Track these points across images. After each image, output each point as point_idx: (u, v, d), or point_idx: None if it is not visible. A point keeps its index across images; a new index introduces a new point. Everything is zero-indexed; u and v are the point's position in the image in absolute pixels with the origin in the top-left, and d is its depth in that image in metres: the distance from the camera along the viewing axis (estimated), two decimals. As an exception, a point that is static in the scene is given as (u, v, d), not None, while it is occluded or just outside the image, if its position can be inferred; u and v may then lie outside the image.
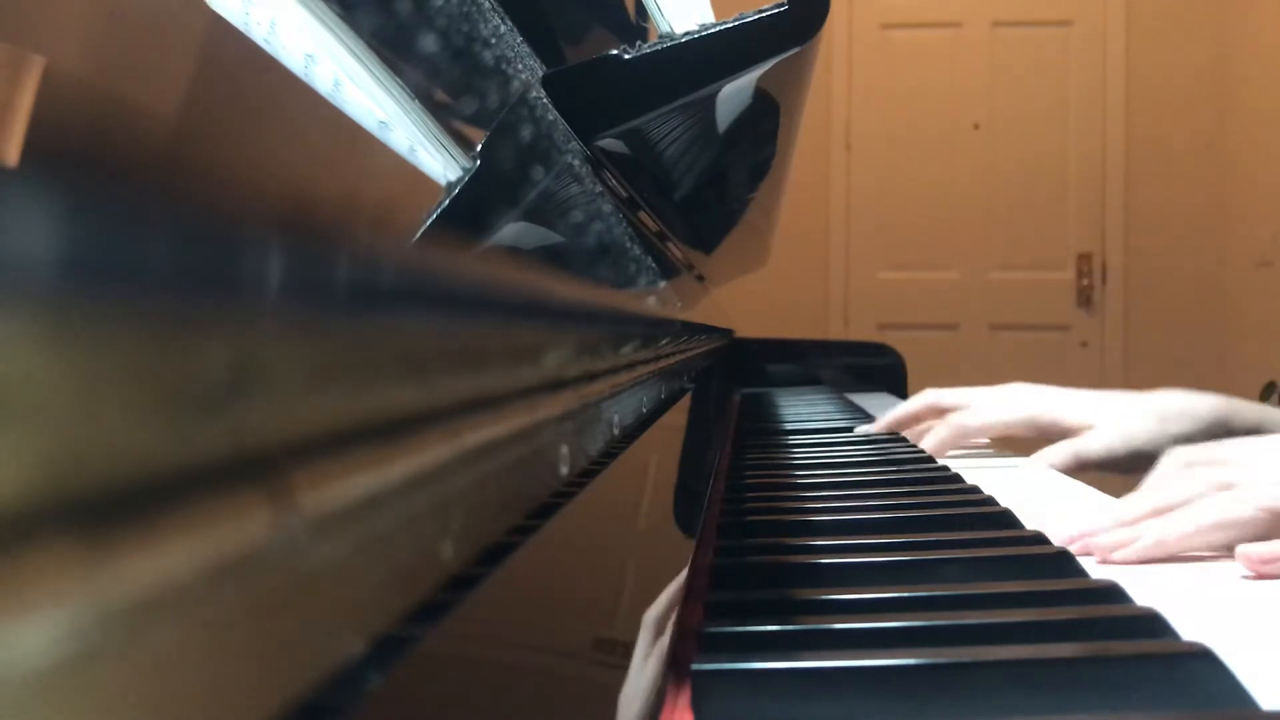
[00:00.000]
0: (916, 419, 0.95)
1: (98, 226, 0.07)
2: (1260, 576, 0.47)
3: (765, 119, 0.79)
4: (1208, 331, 3.42)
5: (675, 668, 0.32)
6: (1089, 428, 0.84)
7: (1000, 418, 0.89)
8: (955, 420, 0.90)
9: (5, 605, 0.07)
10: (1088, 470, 0.83)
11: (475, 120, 0.39)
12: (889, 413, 0.97)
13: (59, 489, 0.07)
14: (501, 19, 0.44)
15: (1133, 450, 0.81)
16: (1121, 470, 0.82)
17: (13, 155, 0.10)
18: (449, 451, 0.16)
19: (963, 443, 0.90)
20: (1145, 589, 0.43)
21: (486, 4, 0.42)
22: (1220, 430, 0.80)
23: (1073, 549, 0.48)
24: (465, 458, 0.17)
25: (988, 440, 0.94)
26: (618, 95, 0.52)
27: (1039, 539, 0.49)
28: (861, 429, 0.97)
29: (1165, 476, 0.57)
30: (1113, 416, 0.84)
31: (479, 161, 0.34)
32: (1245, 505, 0.50)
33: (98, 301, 0.07)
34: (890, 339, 1.82)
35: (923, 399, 0.95)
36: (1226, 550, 0.50)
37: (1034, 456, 0.84)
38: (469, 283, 0.18)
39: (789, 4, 0.53)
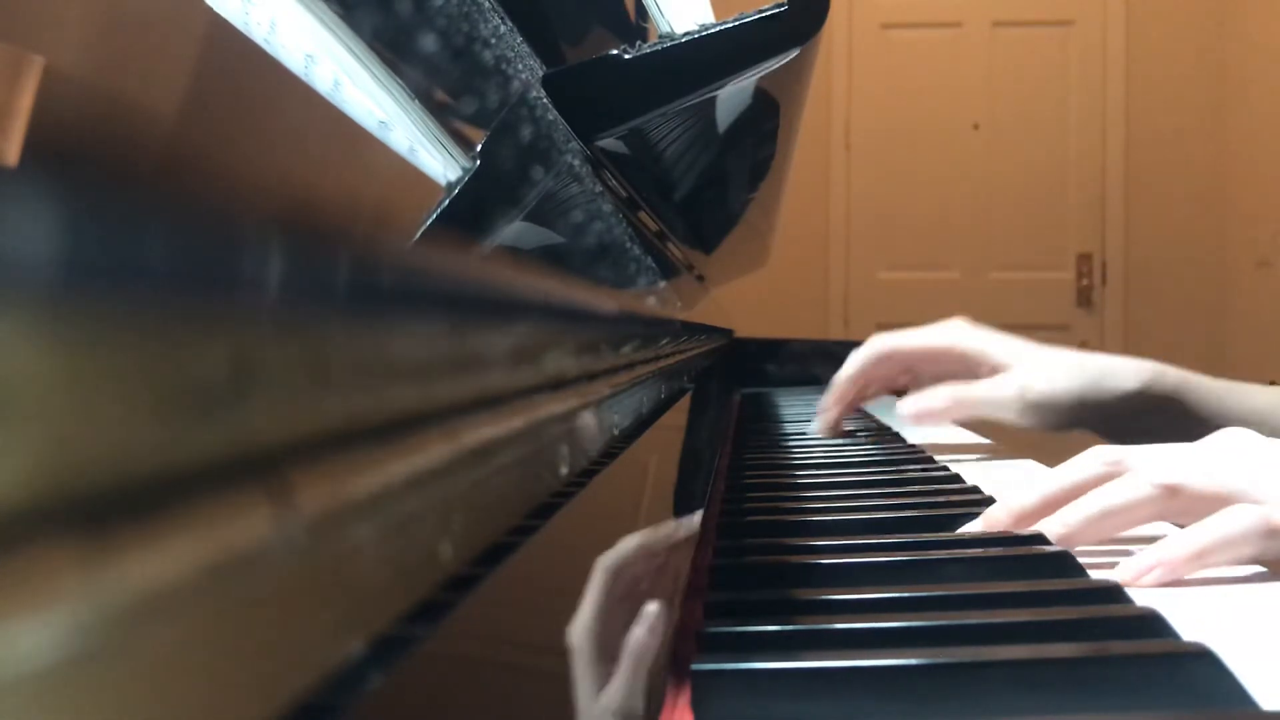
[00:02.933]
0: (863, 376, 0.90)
1: (97, 226, 0.07)
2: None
3: (765, 119, 0.80)
4: (1208, 331, 3.42)
5: (675, 668, 0.32)
6: (1008, 367, 0.82)
7: (924, 341, 0.87)
8: (877, 341, 0.88)
9: (5, 605, 0.07)
10: (999, 420, 0.80)
11: (475, 120, 0.39)
12: (831, 387, 0.91)
13: (58, 489, 0.07)
14: (501, 19, 0.44)
15: (1053, 398, 0.79)
16: (1045, 426, 0.80)
17: (13, 155, 0.10)
18: (449, 451, 0.16)
19: (885, 364, 0.88)
20: (1143, 590, 0.43)
21: (486, 4, 0.42)
22: (1145, 393, 0.80)
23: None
24: (465, 458, 0.17)
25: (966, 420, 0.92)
26: (618, 95, 0.52)
27: (1039, 539, 0.48)
28: (813, 425, 0.91)
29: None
30: (1035, 360, 0.81)
31: (479, 161, 0.34)
32: (1140, 485, 0.49)
33: (97, 301, 0.07)
34: (890, 339, 1.82)
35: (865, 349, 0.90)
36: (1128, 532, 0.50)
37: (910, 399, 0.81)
38: (469, 282, 0.18)
39: (789, 4, 0.53)
